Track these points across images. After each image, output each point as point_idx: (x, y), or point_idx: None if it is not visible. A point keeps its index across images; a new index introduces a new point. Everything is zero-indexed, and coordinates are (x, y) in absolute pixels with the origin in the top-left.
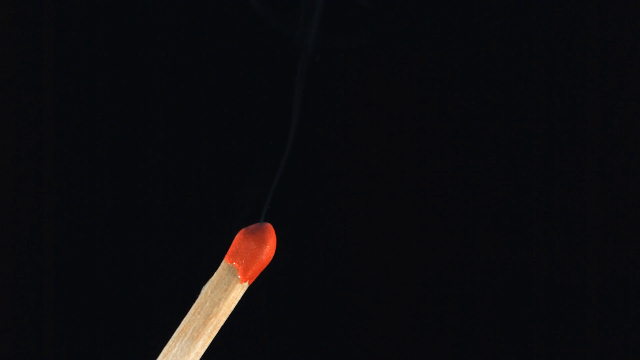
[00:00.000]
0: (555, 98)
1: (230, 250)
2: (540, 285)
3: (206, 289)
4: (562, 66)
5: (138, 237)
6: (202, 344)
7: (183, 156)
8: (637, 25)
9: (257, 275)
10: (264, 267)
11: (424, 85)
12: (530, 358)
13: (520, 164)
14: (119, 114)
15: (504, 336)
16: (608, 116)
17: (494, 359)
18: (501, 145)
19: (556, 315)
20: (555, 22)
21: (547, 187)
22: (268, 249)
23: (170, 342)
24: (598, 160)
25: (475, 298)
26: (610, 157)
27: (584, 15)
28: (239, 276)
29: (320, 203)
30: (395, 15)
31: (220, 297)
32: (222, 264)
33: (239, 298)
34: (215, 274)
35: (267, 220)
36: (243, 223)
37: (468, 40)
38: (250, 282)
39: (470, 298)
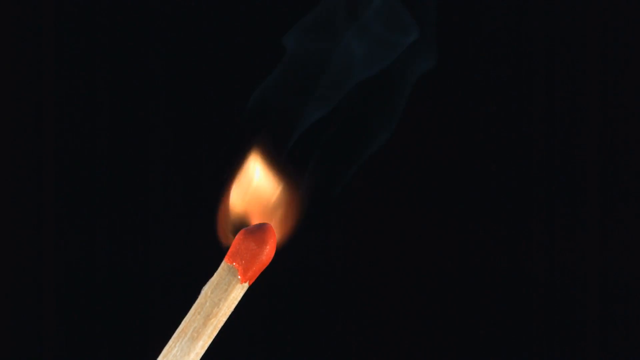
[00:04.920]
0: (555, 100)
1: (230, 250)
2: (540, 286)
3: (206, 290)
4: (562, 68)
5: (138, 237)
6: (202, 344)
7: (184, 156)
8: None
9: (257, 275)
10: (264, 267)
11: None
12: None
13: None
14: (119, 112)
15: (505, 337)
16: (608, 116)
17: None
18: (502, 146)
19: (556, 316)
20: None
21: (547, 187)
22: (268, 250)
23: (170, 342)
24: (598, 161)
25: (478, 300)
26: (610, 158)
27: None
28: (239, 276)
29: (320, 202)
30: None
31: (220, 298)
32: (222, 264)
33: (239, 298)
34: (215, 275)
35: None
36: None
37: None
38: (251, 283)
39: (473, 301)
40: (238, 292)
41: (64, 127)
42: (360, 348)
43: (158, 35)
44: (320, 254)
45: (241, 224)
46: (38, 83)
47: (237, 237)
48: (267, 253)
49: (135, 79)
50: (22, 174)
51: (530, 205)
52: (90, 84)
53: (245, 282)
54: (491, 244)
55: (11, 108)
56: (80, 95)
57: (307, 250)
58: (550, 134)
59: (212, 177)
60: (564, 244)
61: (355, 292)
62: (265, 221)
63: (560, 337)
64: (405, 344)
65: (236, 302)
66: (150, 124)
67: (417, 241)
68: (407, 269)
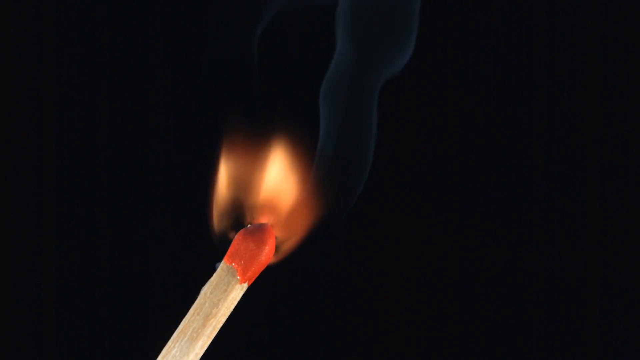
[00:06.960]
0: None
1: (229, 251)
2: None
3: (205, 290)
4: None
5: (138, 237)
6: (202, 344)
7: (184, 156)
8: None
9: (257, 276)
10: (264, 267)
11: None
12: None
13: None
14: (119, 111)
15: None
16: (608, 116)
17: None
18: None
19: (556, 315)
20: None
21: (547, 187)
22: (267, 250)
23: (169, 342)
24: (598, 161)
25: (479, 302)
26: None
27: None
28: (238, 277)
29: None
30: None
31: (220, 298)
32: (221, 264)
33: (238, 299)
34: (214, 275)
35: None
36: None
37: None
38: (250, 283)
39: (474, 301)
40: (237, 292)
41: (63, 126)
42: (360, 348)
43: (154, 29)
44: (319, 253)
45: (232, 212)
46: (34, 81)
47: (236, 237)
48: (267, 253)
49: (130, 74)
50: (20, 174)
51: (530, 206)
52: (78, 72)
53: (244, 282)
54: (491, 245)
55: (11, 108)
56: (71, 87)
57: (307, 248)
58: (549, 134)
59: (213, 176)
60: (565, 245)
61: (355, 292)
62: (260, 214)
63: (560, 337)
64: (406, 343)
65: (235, 303)
66: (149, 123)
67: (416, 241)
68: (407, 269)
